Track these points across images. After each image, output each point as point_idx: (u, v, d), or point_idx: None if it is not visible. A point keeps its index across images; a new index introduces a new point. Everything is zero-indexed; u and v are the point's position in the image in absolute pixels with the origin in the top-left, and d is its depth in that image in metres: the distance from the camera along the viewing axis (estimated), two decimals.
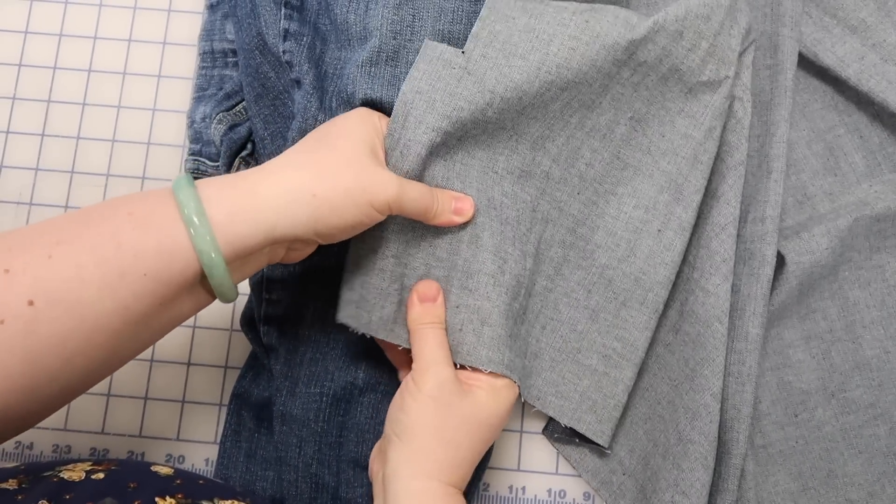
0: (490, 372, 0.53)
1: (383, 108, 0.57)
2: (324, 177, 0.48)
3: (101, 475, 0.47)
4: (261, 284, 0.60)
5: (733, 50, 0.60)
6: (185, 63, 0.70)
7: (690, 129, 0.60)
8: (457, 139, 0.56)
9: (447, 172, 0.56)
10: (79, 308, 0.42)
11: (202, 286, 0.47)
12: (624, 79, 0.58)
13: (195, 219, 0.44)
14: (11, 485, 0.45)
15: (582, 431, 0.59)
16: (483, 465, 0.60)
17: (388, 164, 0.54)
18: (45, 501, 0.43)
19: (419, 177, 0.54)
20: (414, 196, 0.51)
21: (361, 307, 0.55)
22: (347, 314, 0.55)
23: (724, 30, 0.59)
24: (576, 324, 0.60)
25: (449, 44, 0.58)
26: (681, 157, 0.60)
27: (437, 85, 0.53)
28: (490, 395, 0.52)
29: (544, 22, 0.55)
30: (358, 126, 0.52)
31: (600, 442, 0.60)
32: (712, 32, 0.58)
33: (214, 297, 0.48)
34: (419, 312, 0.54)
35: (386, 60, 0.58)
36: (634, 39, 0.56)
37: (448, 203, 0.54)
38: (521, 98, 0.56)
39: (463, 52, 0.54)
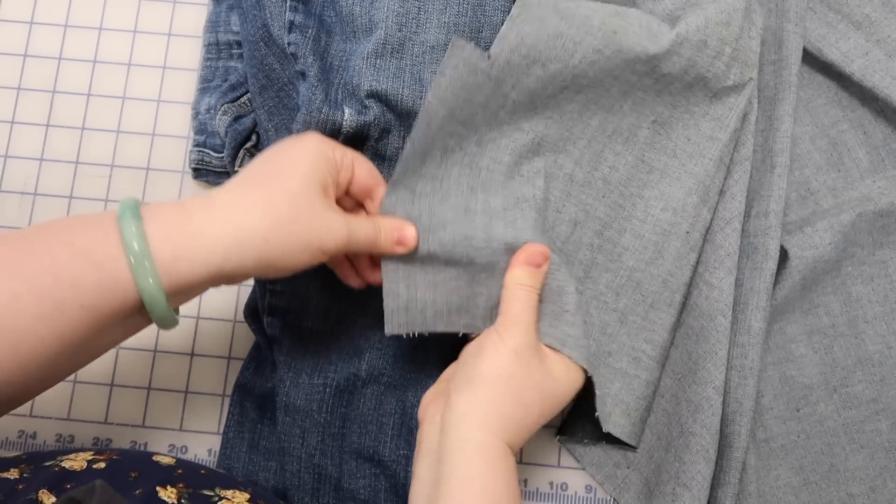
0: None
1: (388, 99, 0.57)
2: (276, 222, 0.47)
3: (103, 465, 0.47)
4: None
5: (755, 52, 0.60)
6: (190, 54, 0.70)
7: (716, 132, 0.60)
8: (475, 143, 0.56)
9: (472, 182, 0.56)
10: (13, 336, 0.42)
11: (139, 314, 0.47)
12: (646, 86, 0.59)
13: (140, 258, 0.44)
14: (13, 474, 0.45)
15: (616, 435, 0.59)
16: None
17: (406, 171, 0.54)
18: (45, 490, 0.43)
19: (437, 178, 0.55)
20: (360, 237, 0.51)
21: (412, 308, 0.54)
22: (397, 323, 0.54)
23: (744, 33, 0.59)
24: (605, 326, 0.60)
25: (453, 35, 0.58)
26: (707, 159, 0.60)
27: (461, 94, 0.53)
28: (564, 372, 0.53)
29: (574, 27, 0.54)
30: (310, 160, 0.49)
31: (632, 443, 0.60)
32: (734, 37, 0.58)
33: (149, 324, 0.48)
34: (521, 274, 0.53)
35: (391, 52, 0.58)
36: (657, 54, 0.56)
37: (391, 235, 0.53)
38: (532, 101, 0.56)
39: (489, 57, 0.53)
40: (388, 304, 0.54)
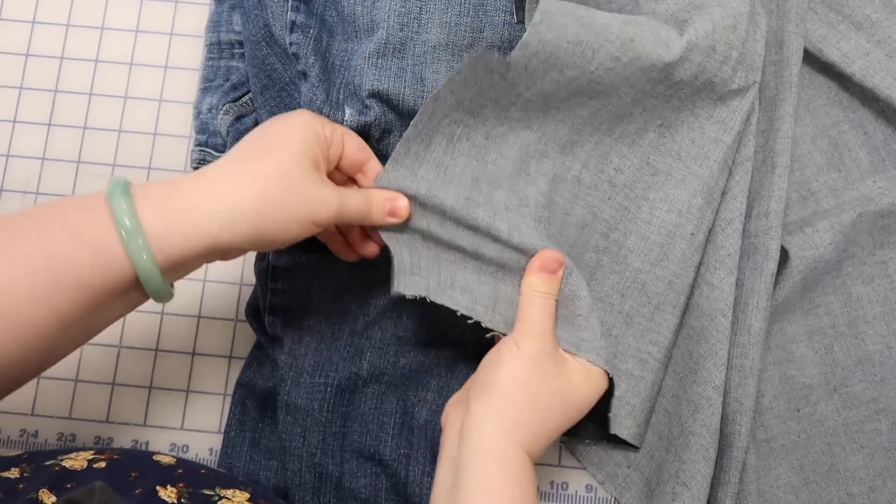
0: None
1: (390, 99, 0.57)
2: (268, 195, 0.47)
3: (103, 464, 0.48)
4: (266, 274, 0.61)
5: (759, 55, 0.60)
6: (192, 54, 0.70)
7: (721, 134, 0.61)
8: (483, 136, 0.56)
9: (478, 173, 0.56)
10: (11, 318, 0.42)
11: (136, 289, 0.47)
12: (658, 93, 0.59)
13: (132, 234, 0.44)
14: (14, 473, 0.45)
15: (623, 437, 0.59)
16: None
17: (408, 152, 0.54)
18: (45, 489, 0.43)
19: (442, 166, 0.55)
20: (352, 208, 0.51)
21: (416, 273, 0.55)
22: (402, 283, 0.54)
23: (749, 36, 0.59)
24: (611, 328, 0.60)
25: (455, 35, 0.58)
26: (712, 161, 0.60)
27: (472, 87, 0.53)
28: (584, 378, 0.53)
29: (593, 34, 0.54)
30: (300, 135, 0.50)
31: (637, 444, 0.60)
32: (740, 41, 0.59)
33: (148, 298, 0.48)
34: (536, 280, 0.54)
35: (393, 52, 0.58)
36: (671, 62, 0.56)
37: (383, 206, 0.53)
38: (545, 102, 0.56)
39: (509, 62, 0.53)
40: (395, 264, 0.54)
